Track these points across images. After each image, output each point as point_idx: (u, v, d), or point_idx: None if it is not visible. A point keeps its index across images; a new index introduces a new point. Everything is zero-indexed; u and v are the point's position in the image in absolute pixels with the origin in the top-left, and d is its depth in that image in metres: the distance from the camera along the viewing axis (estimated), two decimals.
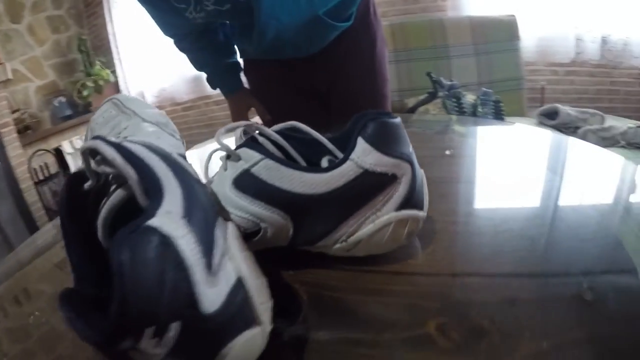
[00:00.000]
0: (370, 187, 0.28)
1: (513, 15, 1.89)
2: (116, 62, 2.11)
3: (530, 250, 0.34)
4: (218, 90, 1.02)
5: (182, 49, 0.94)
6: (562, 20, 2.00)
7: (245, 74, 1.00)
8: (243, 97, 1.01)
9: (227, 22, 0.88)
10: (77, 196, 0.27)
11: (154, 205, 0.20)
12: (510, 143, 0.65)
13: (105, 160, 0.26)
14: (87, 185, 0.27)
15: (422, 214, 0.31)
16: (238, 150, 0.30)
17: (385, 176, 0.28)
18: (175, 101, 2.60)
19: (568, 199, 0.43)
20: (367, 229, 0.29)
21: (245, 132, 0.35)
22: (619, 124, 1.41)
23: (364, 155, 0.27)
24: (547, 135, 0.74)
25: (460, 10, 2.18)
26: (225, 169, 0.32)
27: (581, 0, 1.95)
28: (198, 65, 0.98)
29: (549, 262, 0.32)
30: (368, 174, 0.27)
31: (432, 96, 1.79)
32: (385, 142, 0.27)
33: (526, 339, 0.24)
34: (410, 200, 0.30)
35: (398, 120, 0.29)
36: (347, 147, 0.28)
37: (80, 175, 0.27)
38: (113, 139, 0.25)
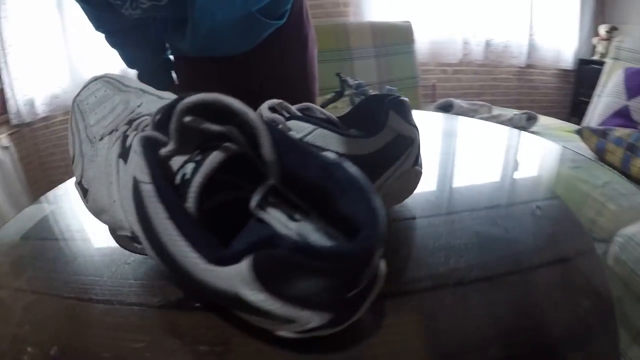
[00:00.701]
0: (399, 147, 0.37)
1: (409, 21, 2.14)
2: (2, 65, 1.84)
3: (491, 192, 0.47)
4: None
5: (113, 45, 0.91)
6: (451, 26, 2.35)
7: (176, 71, 0.99)
8: (173, 95, 1.00)
9: (161, 17, 0.85)
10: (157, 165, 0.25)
11: (309, 150, 0.24)
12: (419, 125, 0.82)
13: (222, 117, 0.24)
14: (165, 150, 0.26)
15: (422, 170, 0.42)
16: (288, 123, 0.36)
17: (408, 139, 0.37)
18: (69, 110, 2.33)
19: (484, 157, 0.59)
20: (393, 182, 0.38)
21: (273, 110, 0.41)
22: (505, 112, 1.73)
23: (396, 124, 0.36)
24: (445, 117, 0.93)
25: (362, 16, 2.37)
26: None
27: (468, 9, 2.31)
28: (129, 62, 0.95)
29: (508, 195, 0.45)
30: (400, 137, 0.36)
31: (339, 95, 1.93)
32: (406, 113, 0.37)
33: (513, 240, 0.36)
34: (418, 159, 0.40)
35: (407, 99, 0.39)
36: (379, 119, 0.36)
37: (152, 142, 0.26)
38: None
